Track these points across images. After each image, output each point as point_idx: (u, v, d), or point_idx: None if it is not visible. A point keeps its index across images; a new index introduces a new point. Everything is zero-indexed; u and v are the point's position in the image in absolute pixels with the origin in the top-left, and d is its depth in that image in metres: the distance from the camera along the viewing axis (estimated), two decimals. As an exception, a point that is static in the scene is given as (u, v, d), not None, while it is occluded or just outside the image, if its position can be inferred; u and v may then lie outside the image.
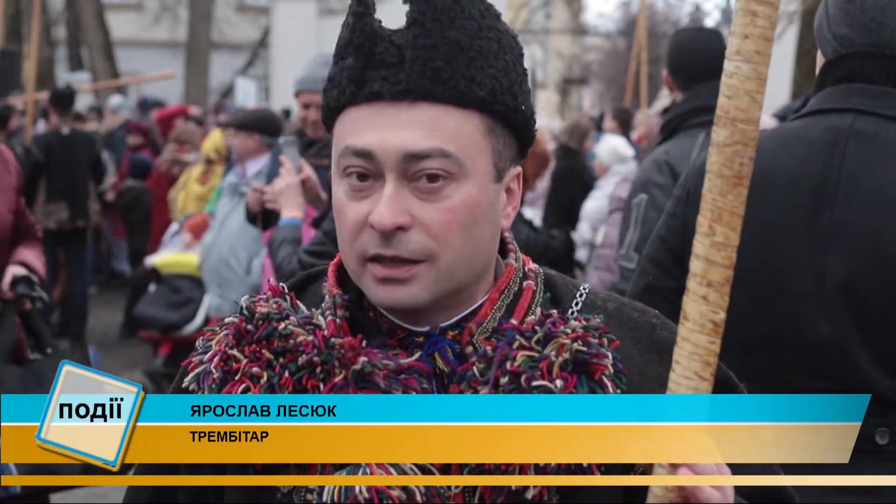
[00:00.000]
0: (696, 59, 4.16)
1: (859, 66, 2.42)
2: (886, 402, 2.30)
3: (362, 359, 1.37)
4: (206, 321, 8.24)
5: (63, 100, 10.38)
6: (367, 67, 1.38)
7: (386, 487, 1.32)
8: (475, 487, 1.36)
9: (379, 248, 1.38)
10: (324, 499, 1.35)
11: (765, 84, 1.12)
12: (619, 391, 1.37)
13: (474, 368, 1.37)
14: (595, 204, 8.16)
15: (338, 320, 1.45)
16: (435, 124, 1.36)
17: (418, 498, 1.33)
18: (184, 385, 1.46)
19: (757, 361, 2.34)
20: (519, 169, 1.49)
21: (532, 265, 1.54)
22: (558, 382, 1.34)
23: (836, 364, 2.32)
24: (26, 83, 13.96)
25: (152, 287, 8.81)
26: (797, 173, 2.39)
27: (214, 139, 9.24)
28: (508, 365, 1.35)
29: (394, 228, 1.36)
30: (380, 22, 1.41)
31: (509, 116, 1.42)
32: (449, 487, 1.36)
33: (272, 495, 1.41)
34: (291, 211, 4.40)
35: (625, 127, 11.24)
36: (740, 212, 1.17)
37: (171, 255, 8.74)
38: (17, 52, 15.48)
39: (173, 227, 9.22)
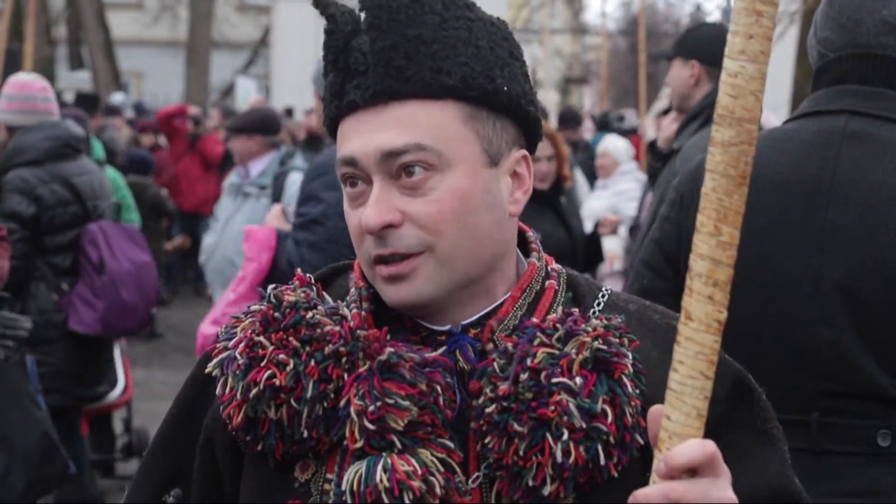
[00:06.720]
0: None
1: (851, 67, 2.42)
2: (888, 402, 2.30)
3: (388, 349, 1.38)
4: (127, 385, 6.39)
5: (88, 101, 10.51)
6: (346, 80, 1.41)
7: (406, 478, 1.33)
8: (492, 482, 1.38)
9: (377, 248, 1.39)
10: (342, 488, 1.36)
11: (765, 83, 1.12)
12: (637, 391, 1.37)
13: (494, 364, 1.38)
14: (598, 203, 8.12)
15: (363, 313, 1.45)
16: (408, 121, 1.38)
17: (437, 490, 1.34)
18: (207, 371, 1.46)
19: (759, 364, 2.33)
20: (523, 152, 1.48)
21: (555, 265, 1.54)
22: (578, 380, 1.34)
23: (836, 365, 2.33)
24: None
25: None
26: (791, 175, 2.40)
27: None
28: (529, 361, 1.35)
29: (382, 228, 1.38)
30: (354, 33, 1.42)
31: (490, 100, 1.42)
32: (466, 481, 1.38)
33: (289, 486, 1.43)
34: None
35: None
36: (742, 211, 1.17)
37: None
38: (19, 51, 15.48)
39: None
